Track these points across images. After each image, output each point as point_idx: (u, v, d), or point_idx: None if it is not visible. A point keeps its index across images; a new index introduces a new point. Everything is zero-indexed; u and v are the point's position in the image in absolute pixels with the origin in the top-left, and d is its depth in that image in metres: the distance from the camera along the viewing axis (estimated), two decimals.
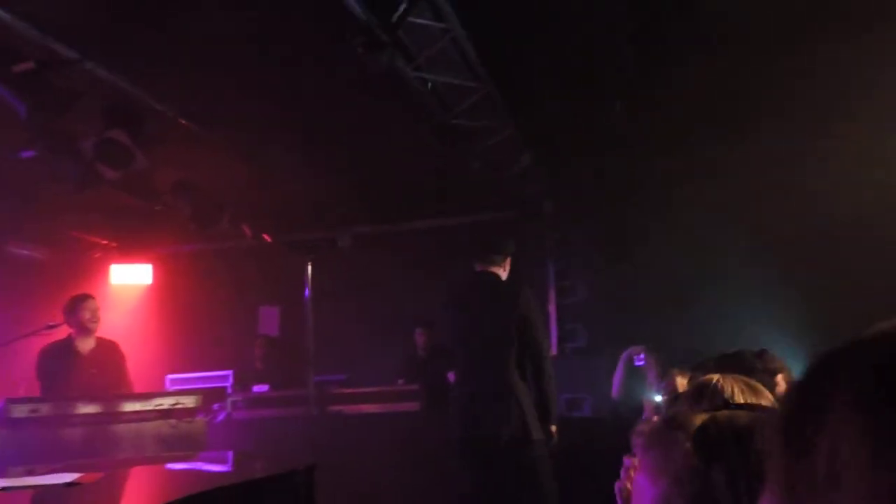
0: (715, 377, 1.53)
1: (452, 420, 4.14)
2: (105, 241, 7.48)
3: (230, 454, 4.01)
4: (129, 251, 7.54)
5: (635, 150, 5.79)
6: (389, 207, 6.96)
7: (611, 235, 6.34)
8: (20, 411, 3.89)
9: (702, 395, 1.47)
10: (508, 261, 4.18)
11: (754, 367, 2.52)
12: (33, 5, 3.49)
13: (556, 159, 6.03)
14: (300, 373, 5.83)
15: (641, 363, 4.54)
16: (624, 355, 4.68)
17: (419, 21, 3.97)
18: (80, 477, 2.05)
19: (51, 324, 4.74)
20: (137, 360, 5.60)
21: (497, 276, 4.14)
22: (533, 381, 4.00)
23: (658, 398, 3.85)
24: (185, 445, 4.31)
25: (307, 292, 3.91)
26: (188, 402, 4.55)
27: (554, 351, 6.46)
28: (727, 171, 5.71)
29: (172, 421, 4.42)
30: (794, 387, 0.51)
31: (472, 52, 4.43)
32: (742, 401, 1.42)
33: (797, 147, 5.33)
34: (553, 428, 3.97)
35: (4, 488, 1.89)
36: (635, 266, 6.06)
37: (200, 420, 4.56)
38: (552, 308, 6.58)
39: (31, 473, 2.48)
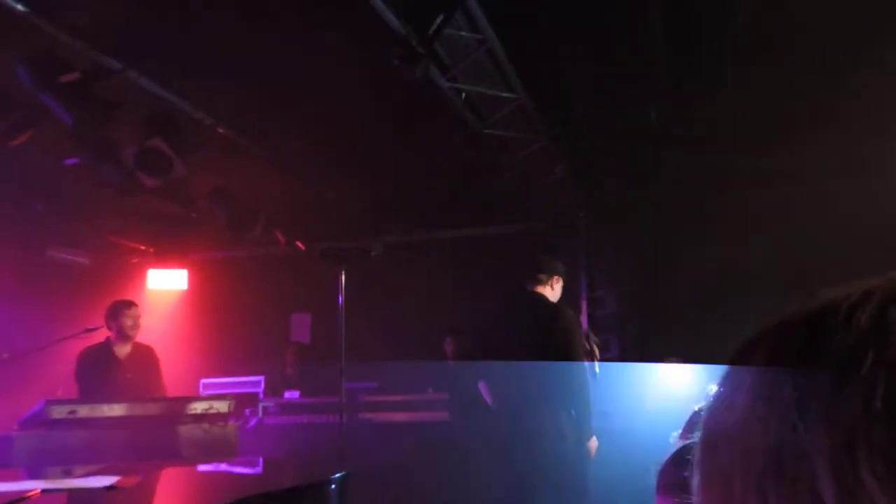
0: None
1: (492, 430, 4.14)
2: (143, 247, 7.62)
3: (264, 461, 4.05)
4: (166, 257, 7.67)
5: (668, 160, 5.74)
6: (421, 217, 6.99)
7: (643, 246, 6.28)
8: (59, 412, 3.97)
9: None
10: (556, 280, 4.23)
11: None
12: (79, 18, 3.58)
13: (589, 170, 6.00)
14: (330, 380, 5.87)
15: None
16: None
17: (455, 32, 4.00)
18: (119, 481, 2.09)
19: (90, 327, 4.83)
20: (171, 364, 5.69)
21: (541, 296, 4.18)
22: (570, 399, 3.99)
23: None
24: (217, 450, 4.35)
25: (340, 300, 3.93)
26: (221, 406, 4.59)
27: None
28: (762, 180, 5.64)
29: (205, 425, 4.46)
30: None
31: (507, 62, 4.44)
32: None
33: (837, 155, 5.24)
34: (592, 443, 3.97)
35: (46, 490, 1.93)
36: (669, 277, 6.00)
37: (232, 425, 4.61)
38: (584, 319, 6.53)
39: (69, 475, 2.53)
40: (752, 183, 5.71)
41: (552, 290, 4.21)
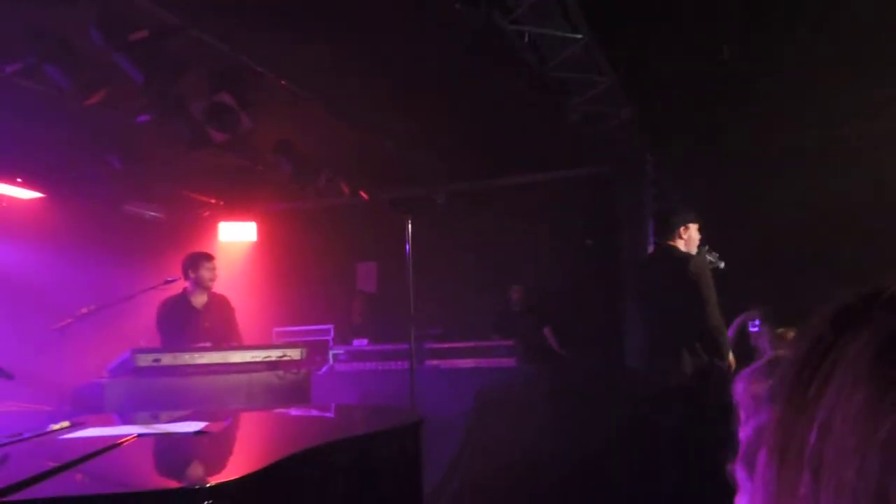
0: None
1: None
2: (213, 200, 7.83)
3: (339, 406, 4.17)
4: (235, 209, 7.86)
5: (742, 101, 5.50)
6: (484, 163, 6.93)
7: (715, 192, 6.09)
8: (144, 361, 4.17)
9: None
10: (685, 229, 4.50)
11: None
12: None
13: (657, 113, 5.81)
14: (396, 327, 5.97)
15: (756, 329, 4.31)
16: (738, 319, 4.46)
17: None
18: (207, 426, 2.19)
19: (169, 279, 5.01)
20: (243, 313, 5.88)
21: (672, 248, 4.50)
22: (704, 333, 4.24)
23: None
24: (291, 396, 4.50)
25: (408, 249, 3.96)
26: (294, 354, 4.73)
27: None
28: (842, 121, 5.36)
29: (280, 372, 4.62)
30: (809, 337, 0.49)
31: (572, 1, 4.29)
32: None
33: None
34: (730, 359, 4.17)
35: (141, 435, 2.04)
36: (739, 222, 5.81)
37: (305, 372, 4.75)
38: None
39: (159, 421, 2.67)
40: (837, 123, 5.44)
41: (682, 240, 4.49)
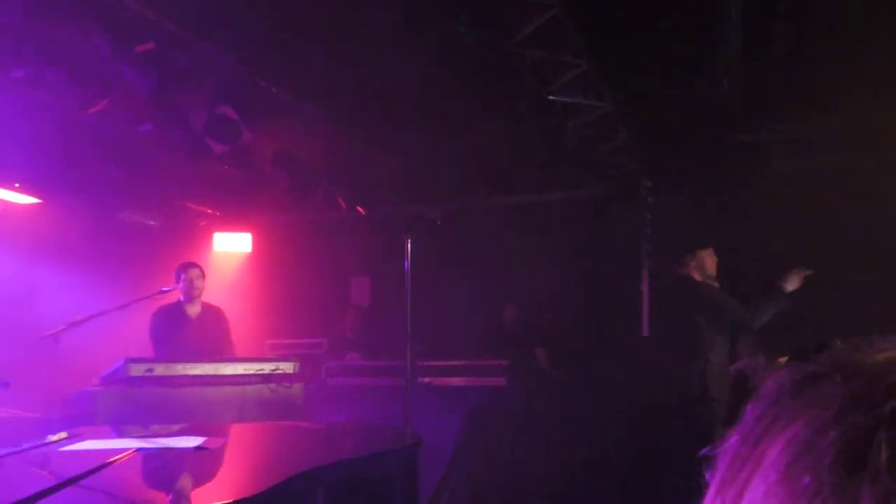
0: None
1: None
2: (209, 210, 7.83)
3: (346, 425, 4.17)
4: (231, 220, 7.87)
5: (737, 128, 5.58)
6: (482, 182, 6.97)
7: (707, 215, 6.14)
8: (137, 370, 4.16)
9: None
10: (695, 256, 4.70)
11: None
12: None
13: (653, 137, 5.88)
14: (389, 343, 5.97)
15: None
16: (738, 365, 4.63)
17: None
18: (206, 441, 2.19)
19: (164, 288, 5.00)
20: (237, 324, 5.87)
21: (685, 276, 4.70)
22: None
23: None
24: (284, 409, 4.49)
25: (406, 266, 3.98)
26: (286, 367, 4.73)
27: (645, 332, 6.38)
28: (829, 146, 5.45)
29: (272, 385, 4.61)
30: (747, 422, 0.45)
31: (573, 27, 4.35)
32: None
33: None
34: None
35: (140, 449, 2.04)
36: (734, 245, 5.86)
37: (298, 385, 4.74)
38: (644, 287, 6.47)
39: (156, 434, 2.66)
40: (823, 147, 5.52)
41: (696, 270, 4.69)
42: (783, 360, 3.66)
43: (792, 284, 4.42)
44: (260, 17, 3.98)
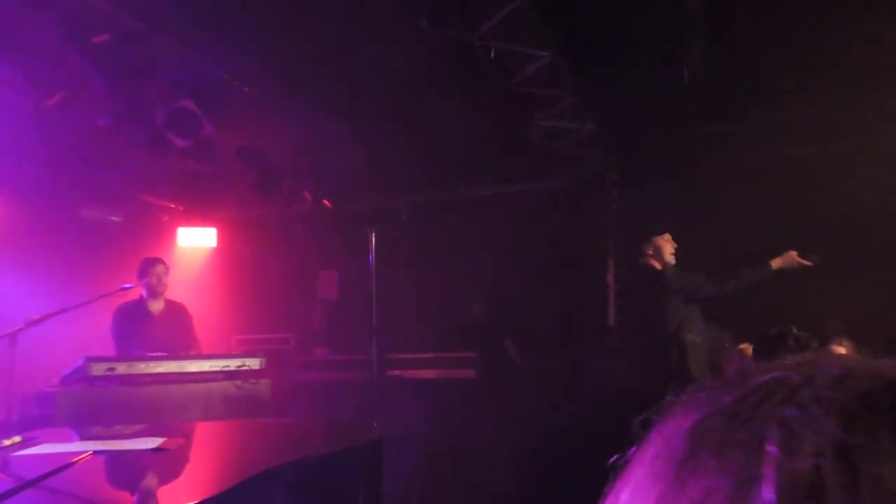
0: None
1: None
2: (173, 205, 7.70)
3: (301, 419, 4.13)
4: (195, 215, 7.75)
5: (701, 119, 5.63)
6: (448, 175, 6.96)
7: (673, 206, 6.21)
8: (98, 370, 4.07)
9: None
10: (652, 245, 4.88)
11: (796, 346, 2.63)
12: None
13: (619, 128, 5.91)
14: (357, 337, 5.94)
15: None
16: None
17: None
18: (165, 442, 2.15)
19: (125, 285, 4.90)
20: (202, 320, 5.78)
21: (647, 266, 4.87)
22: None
23: None
24: (250, 406, 4.44)
25: (371, 260, 3.96)
26: (253, 363, 4.67)
27: (612, 321, 6.43)
28: (795, 138, 5.54)
29: (238, 382, 4.55)
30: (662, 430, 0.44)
31: (538, 19, 4.35)
32: None
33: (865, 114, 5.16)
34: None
35: (97, 452, 2.00)
36: (699, 237, 5.93)
37: (265, 381, 4.69)
38: (611, 278, 6.52)
39: (114, 436, 2.61)
40: (789, 140, 5.60)
41: (654, 258, 4.87)
42: (746, 345, 3.72)
43: (781, 262, 4.58)
44: (218, 7, 3.91)
